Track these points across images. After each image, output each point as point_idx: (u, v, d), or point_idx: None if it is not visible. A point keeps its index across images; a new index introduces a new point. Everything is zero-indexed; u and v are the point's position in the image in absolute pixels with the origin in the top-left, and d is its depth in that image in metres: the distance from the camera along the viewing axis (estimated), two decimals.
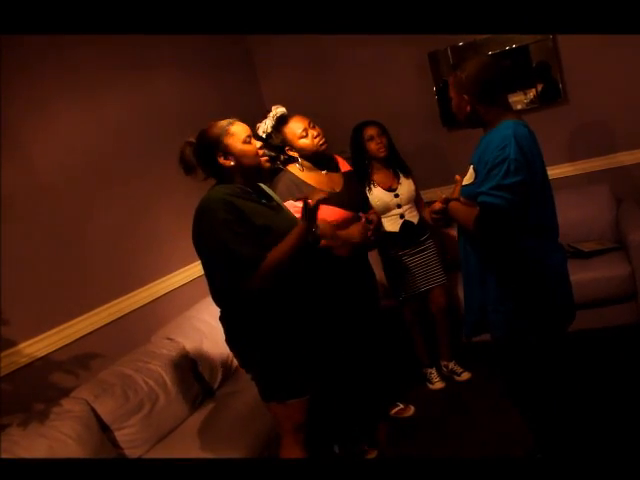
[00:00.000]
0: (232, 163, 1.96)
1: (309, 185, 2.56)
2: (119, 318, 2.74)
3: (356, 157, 2.97)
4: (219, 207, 1.86)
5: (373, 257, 2.88)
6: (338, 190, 2.60)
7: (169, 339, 2.78)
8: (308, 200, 1.91)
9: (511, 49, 3.53)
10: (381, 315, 2.90)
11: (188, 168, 2.02)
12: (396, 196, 2.99)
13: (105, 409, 2.31)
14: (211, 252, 1.90)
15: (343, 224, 2.52)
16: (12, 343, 2.27)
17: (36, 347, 2.35)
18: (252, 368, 2.05)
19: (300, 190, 2.53)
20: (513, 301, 1.93)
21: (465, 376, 3.16)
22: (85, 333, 2.56)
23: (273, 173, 2.58)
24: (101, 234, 2.74)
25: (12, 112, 2.41)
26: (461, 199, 1.94)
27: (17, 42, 2.40)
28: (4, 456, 1.93)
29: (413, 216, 3.04)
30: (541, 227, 1.90)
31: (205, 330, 2.87)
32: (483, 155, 1.84)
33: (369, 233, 2.50)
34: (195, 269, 3.15)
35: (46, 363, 2.38)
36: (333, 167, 2.69)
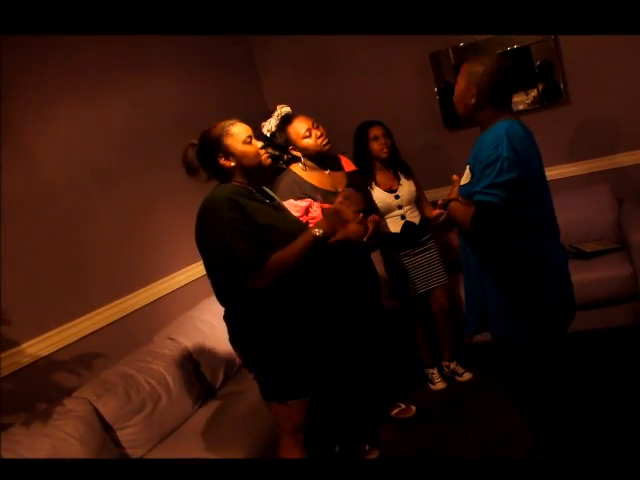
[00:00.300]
0: (233, 164, 1.96)
1: (311, 185, 2.56)
2: (121, 318, 2.74)
3: (358, 156, 2.97)
4: (223, 206, 1.87)
5: (375, 258, 2.88)
6: (341, 190, 2.60)
7: (171, 339, 2.79)
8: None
9: (512, 49, 3.53)
10: (383, 315, 2.90)
11: (191, 170, 2.03)
12: (396, 197, 2.99)
13: (107, 409, 2.31)
14: (215, 251, 1.90)
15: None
16: (14, 343, 2.27)
17: (38, 347, 2.35)
18: (255, 367, 2.05)
19: (302, 190, 2.53)
20: (513, 300, 1.93)
21: (466, 376, 3.16)
22: (87, 333, 2.57)
23: (276, 173, 2.59)
24: (103, 234, 2.75)
25: (13, 112, 2.42)
26: (460, 199, 1.95)
27: (18, 43, 2.40)
28: (7, 456, 1.94)
29: (414, 217, 3.04)
30: (539, 227, 1.91)
31: (207, 330, 2.87)
32: (477, 155, 1.86)
33: (365, 238, 2.49)
34: (197, 269, 3.15)
35: (48, 363, 2.38)
36: (336, 167, 2.70)
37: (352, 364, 2.58)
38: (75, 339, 2.50)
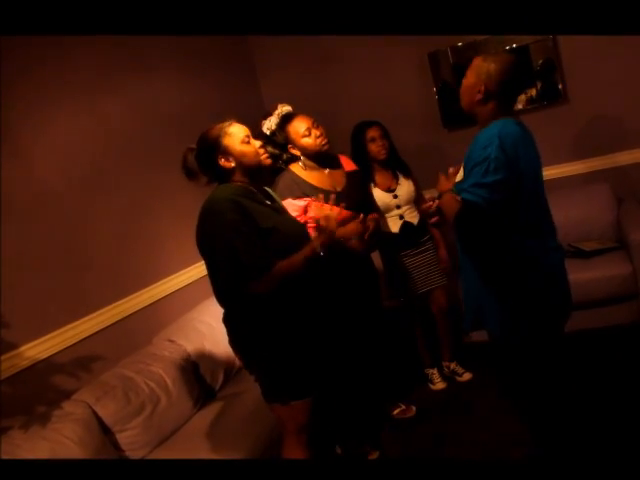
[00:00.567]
0: (232, 164, 1.96)
1: (310, 184, 2.56)
2: (120, 320, 2.73)
3: (356, 157, 2.96)
4: (226, 207, 1.86)
5: (375, 258, 2.88)
6: (339, 189, 2.60)
7: (170, 341, 2.78)
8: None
9: (511, 49, 3.52)
10: (383, 316, 2.90)
11: (191, 174, 2.03)
12: (395, 197, 2.98)
13: (106, 411, 2.30)
14: (216, 253, 1.90)
15: (341, 223, 2.52)
16: (13, 346, 2.26)
17: (37, 350, 2.35)
18: (255, 369, 2.05)
19: (301, 189, 2.53)
20: (509, 299, 1.94)
21: (466, 376, 3.16)
22: (86, 335, 2.56)
23: (275, 172, 2.58)
24: (102, 236, 2.74)
25: (12, 114, 2.41)
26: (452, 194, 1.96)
27: (17, 44, 2.39)
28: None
29: (413, 217, 3.03)
30: (535, 226, 1.91)
31: (206, 332, 2.86)
32: (471, 153, 1.87)
33: (365, 236, 2.49)
34: (196, 271, 3.15)
35: (47, 365, 2.37)
36: (336, 166, 2.70)
37: (352, 364, 2.58)
38: (74, 341, 2.50)
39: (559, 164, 3.56)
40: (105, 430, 2.28)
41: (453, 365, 3.21)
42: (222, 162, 1.96)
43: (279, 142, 2.59)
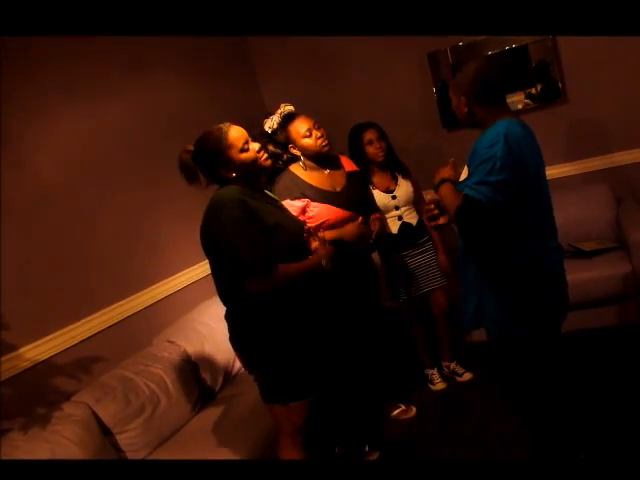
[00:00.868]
0: (234, 174, 1.97)
1: (310, 184, 2.56)
2: (120, 321, 2.74)
3: (354, 159, 2.95)
4: (233, 206, 1.88)
5: (374, 258, 2.88)
6: (339, 190, 2.61)
7: (170, 342, 2.78)
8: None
9: (510, 49, 3.52)
10: (383, 316, 2.90)
11: (190, 177, 2.02)
12: (393, 198, 2.98)
13: (106, 413, 2.31)
14: (219, 251, 1.91)
15: (340, 224, 2.53)
16: (13, 347, 2.26)
17: (37, 351, 2.35)
18: (255, 369, 2.05)
19: (300, 189, 2.54)
20: (508, 298, 1.94)
21: (466, 377, 3.16)
22: (86, 336, 2.56)
23: (275, 172, 2.59)
24: (102, 237, 2.74)
25: (12, 115, 2.41)
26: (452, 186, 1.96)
27: (18, 45, 2.39)
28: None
29: (411, 218, 3.03)
30: (537, 226, 1.92)
31: (206, 333, 2.86)
32: (475, 152, 1.87)
33: (372, 237, 2.50)
34: (197, 271, 3.15)
35: (47, 367, 2.38)
36: (336, 167, 2.70)
37: (352, 365, 2.58)
38: (74, 343, 2.50)
39: (558, 164, 3.56)
40: (105, 431, 2.28)
41: (453, 365, 3.21)
42: (223, 173, 1.98)
43: (280, 141, 2.60)
